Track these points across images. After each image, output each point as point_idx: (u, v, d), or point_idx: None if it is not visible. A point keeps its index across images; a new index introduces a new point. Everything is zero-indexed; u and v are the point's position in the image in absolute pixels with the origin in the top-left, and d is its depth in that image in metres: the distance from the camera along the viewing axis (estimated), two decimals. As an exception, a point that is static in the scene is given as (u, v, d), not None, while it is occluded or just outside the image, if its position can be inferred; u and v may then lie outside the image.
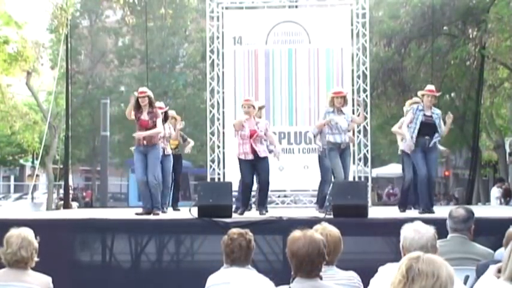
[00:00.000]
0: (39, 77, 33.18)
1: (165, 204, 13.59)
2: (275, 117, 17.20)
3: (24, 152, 39.80)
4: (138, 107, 12.60)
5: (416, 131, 12.04)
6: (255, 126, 12.35)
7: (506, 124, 31.08)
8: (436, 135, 12.15)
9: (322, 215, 11.20)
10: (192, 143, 14.95)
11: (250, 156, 12.35)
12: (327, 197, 12.58)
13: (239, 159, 12.62)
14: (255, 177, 12.86)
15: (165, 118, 13.59)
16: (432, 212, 11.83)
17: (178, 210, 13.96)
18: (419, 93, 12.58)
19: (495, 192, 21.24)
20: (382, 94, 27.54)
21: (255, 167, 12.51)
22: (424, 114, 12.05)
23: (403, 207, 13.24)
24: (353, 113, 16.98)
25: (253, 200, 14.34)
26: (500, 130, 31.09)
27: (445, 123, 12.34)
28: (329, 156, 12.38)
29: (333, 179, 12.30)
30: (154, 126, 12.44)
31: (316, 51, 17.44)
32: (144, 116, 12.48)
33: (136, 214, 12.16)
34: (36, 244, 6.07)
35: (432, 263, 3.53)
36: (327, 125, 12.20)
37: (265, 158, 12.46)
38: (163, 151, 13.36)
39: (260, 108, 13.59)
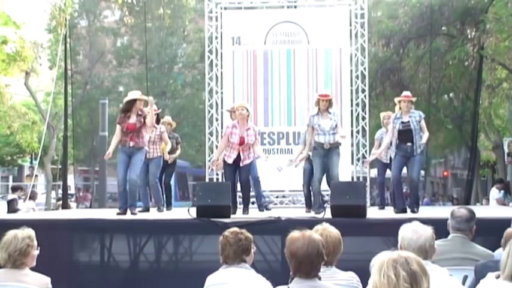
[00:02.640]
0: (38, 77, 33.20)
1: (159, 203, 13.73)
2: (274, 118, 17.21)
3: (22, 152, 39.83)
4: (126, 111, 12.50)
5: (395, 140, 12.33)
6: (244, 133, 12.37)
7: (505, 124, 31.06)
8: (420, 142, 12.26)
9: (320, 216, 11.23)
10: (177, 153, 14.95)
11: (231, 161, 12.44)
12: (313, 197, 12.74)
13: (224, 160, 12.69)
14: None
15: (157, 120, 13.54)
16: (405, 212, 12.20)
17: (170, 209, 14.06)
18: (396, 99, 12.78)
19: (494, 193, 21.15)
20: (381, 94, 27.51)
21: (237, 170, 12.58)
22: (402, 122, 12.24)
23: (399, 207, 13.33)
24: (351, 114, 17.03)
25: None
26: (499, 130, 31.08)
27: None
28: (312, 156, 12.52)
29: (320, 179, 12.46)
30: (141, 127, 12.40)
31: (315, 52, 17.45)
32: (132, 120, 12.38)
33: (118, 214, 12.12)
34: (32, 245, 6.06)
35: (418, 261, 3.55)
36: (313, 127, 12.28)
37: (247, 164, 12.55)
38: (150, 154, 13.34)
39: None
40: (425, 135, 12.24)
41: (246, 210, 12.51)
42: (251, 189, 13.28)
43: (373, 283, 3.56)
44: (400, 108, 12.59)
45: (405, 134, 12.17)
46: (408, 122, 12.18)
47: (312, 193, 13.22)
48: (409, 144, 12.15)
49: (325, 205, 11.94)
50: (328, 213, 11.05)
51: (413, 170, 12.36)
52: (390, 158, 13.73)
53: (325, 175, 12.39)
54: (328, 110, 12.25)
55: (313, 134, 12.31)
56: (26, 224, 6.58)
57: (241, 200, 13.05)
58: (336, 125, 12.26)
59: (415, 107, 12.69)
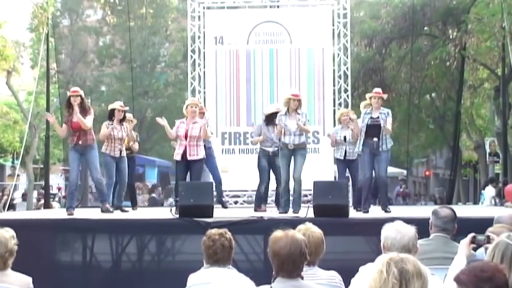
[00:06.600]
0: (20, 77, 33.02)
1: (121, 203, 13.66)
2: (256, 117, 17.18)
3: (4, 152, 39.60)
4: (68, 107, 12.53)
5: (363, 134, 12.50)
6: (189, 126, 12.61)
7: (486, 124, 31.21)
8: (389, 140, 12.51)
9: (289, 214, 11.34)
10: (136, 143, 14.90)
11: (179, 158, 12.62)
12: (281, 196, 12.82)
13: (175, 159, 12.89)
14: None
15: (123, 118, 13.55)
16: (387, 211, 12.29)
17: (126, 211, 13.64)
18: (368, 95, 12.99)
19: (490, 191, 21.21)
20: (363, 94, 27.31)
21: (188, 168, 12.69)
22: (371, 117, 12.45)
23: (357, 206, 13.35)
24: (334, 114, 17.02)
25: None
26: (480, 130, 31.22)
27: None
28: (280, 156, 12.66)
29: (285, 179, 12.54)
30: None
31: (298, 51, 17.47)
32: (76, 118, 12.34)
33: (69, 214, 11.99)
34: (11, 246, 5.97)
35: (415, 262, 3.57)
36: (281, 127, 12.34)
37: (197, 161, 12.65)
38: (120, 152, 13.33)
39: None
40: (386, 128, 12.40)
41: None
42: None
43: (369, 279, 3.59)
44: (370, 104, 12.72)
45: (373, 129, 12.39)
46: (378, 117, 12.41)
47: (278, 192, 13.34)
48: (375, 139, 12.34)
49: (308, 204, 11.97)
50: (310, 213, 11.09)
51: (381, 168, 12.54)
52: (345, 154, 13.95)
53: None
54: (297, 111, 12.30)
55: (281, 134, 12.39)
56: (8, 223, 6.54)
57: None
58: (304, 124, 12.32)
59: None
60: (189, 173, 12.71)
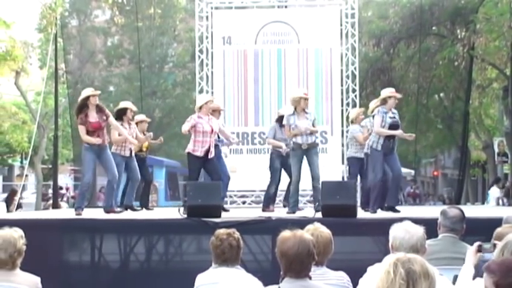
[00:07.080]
0: (28, 77, 33.11)
1: (131, 202, 13.75)
2: (264, 117, 17.21)
3: (13, 152, 39.72)
4: (81, 109, 12.24)
5: (381, 136, 12.19)
6: (209, 122, 12.45)
7: (495, 124, 31.19)
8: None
9: (294, 214, 11.31)
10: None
11: (203, 154, 12.37)
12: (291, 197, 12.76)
13: (190, 154, 12.54)
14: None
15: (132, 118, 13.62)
16: (397, 211, 12.17)
17: (137, 210, 13.77)
18: (386, 95, 12.43)
19: (495, 192, 21.18)
20: (371, 94, 27.45)
21: (203, 165, 12.58)
22: (389, 117, 12.19)
23: (365, 206, 13.23)
24: (342, 114, 17.03)
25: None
26: (489, 130, 31.21)
27: None
28: (291, 157, 12.54)
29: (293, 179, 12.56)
30: (105, 124, 12.34)
31: (305, 51, 17.46)
32: (93, 118, 12.17)
33: (77, 215, 11.96)
34: (20, 245, 5.97)
35: (422, 263, 3.57)
36: (290, 127, 12.27)
37: (213, 158, 12.55)
38: (130, 152, 13.36)
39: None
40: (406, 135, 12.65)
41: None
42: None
43: (376, 279, 3.59)
44: (386, 102, 12.45)
45: (393, 130, 12.16)
46: (395, 117, 12.21)
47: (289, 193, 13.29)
48: (391, 140, 12.16)
49: (316, 204, 11.94)
50: (317, 213, 11.09)
51: (398, 166, 12.39)
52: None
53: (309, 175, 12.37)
54: (305, 110, 12.26)
55: (291, 134, 12.32)
56: (16, 223, 6.55)
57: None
58: (313, 125, 12.26)
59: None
60: (208, 170, 12.64)
